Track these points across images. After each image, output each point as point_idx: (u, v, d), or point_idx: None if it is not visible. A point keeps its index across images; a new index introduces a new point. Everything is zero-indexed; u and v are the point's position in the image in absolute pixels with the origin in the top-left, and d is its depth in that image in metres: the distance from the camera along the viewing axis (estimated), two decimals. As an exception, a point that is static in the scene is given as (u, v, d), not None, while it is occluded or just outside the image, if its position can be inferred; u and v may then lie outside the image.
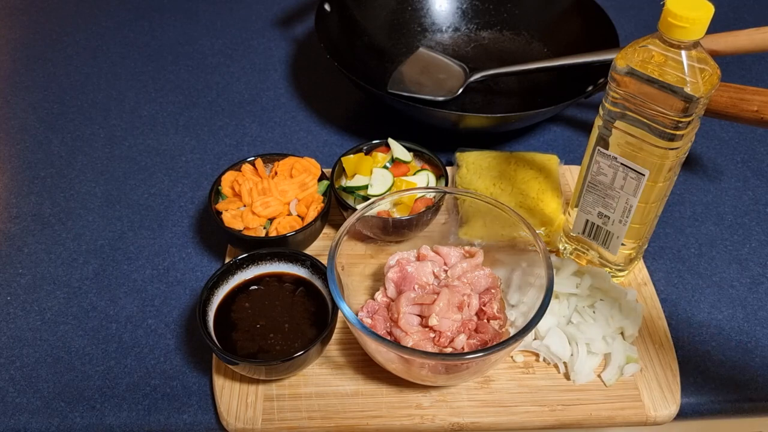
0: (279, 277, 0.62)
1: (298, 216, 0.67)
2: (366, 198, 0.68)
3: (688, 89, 0.49)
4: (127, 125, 0.86)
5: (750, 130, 0.87)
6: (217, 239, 0.71)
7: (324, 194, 0.69)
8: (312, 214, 0.66)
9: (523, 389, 0.58)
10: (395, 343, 0.54)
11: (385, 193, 0.68)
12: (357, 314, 0.53)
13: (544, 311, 0.52)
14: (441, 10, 0.97)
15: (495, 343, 0.55)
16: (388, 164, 0.72)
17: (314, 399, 0.57)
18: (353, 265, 0.63)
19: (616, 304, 0.62)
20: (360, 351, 0.60)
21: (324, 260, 0.58)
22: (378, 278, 0.65)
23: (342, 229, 0.58)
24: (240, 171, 0.69)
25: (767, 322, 0.65)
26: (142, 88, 0.92)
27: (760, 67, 0.98)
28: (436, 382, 0.57)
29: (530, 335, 0.57)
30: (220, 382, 0.58)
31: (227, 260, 0.65)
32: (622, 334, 0.61)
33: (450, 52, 0.94)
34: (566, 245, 0.68)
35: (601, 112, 0.56)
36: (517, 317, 0.59)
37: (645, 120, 0.52)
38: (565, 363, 0.59)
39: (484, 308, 0.58)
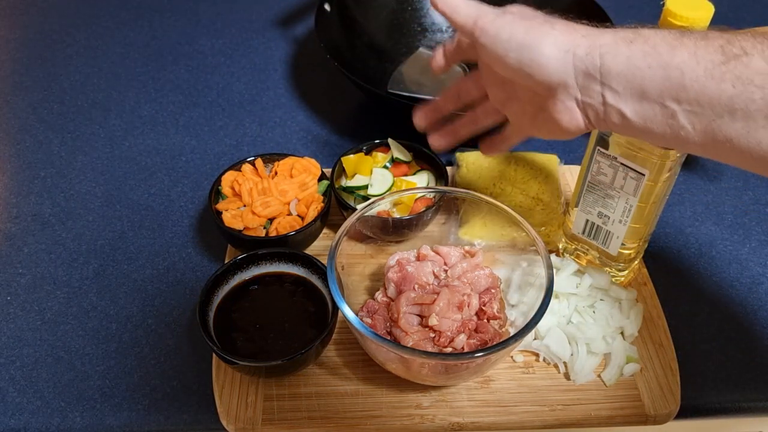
0: (279, 277, 0.62)
1: (298, 216, 0.67)
2: (366, 198, 0.68)
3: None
4: (127, 125, 0.86)
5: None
6: (217, 239, 0.71)
7: (324, 194, 0.69)
8: (312, 214, 0.66)
9: (523, 389, 0.58)
10: (395, 343, 0.54)
11: (385, 193, 0.68)
12: (357, 314, 0.53)
13: (544, 311, 0.52)
14: (441, 10, 0.97)
15: (495, 343, 0.55)
16: (388, 164, 0.72)
17: (314, 399, 0.57)
18: (353, 265, 0.63)
19: (616, 304, 0.62)
20: (360, 351, 0.60)
21: (324, 260, 0.58)
22: (378, 278, 0.65)
23: (342, 229, 0.58)
24: (240, 171, 0.69)
25: (767, 322, 0.65)
26: (142, 88, 0.92)
27: (760, 67, 0.98)
28: (436, 382, 0.57)
29: (530, 335, 0.57)
30: (220, 382, 0.58)
31: (227, 260, 0.65)
32: (622, 334, 0.61)
33: (450, 52, 0.94)
34: (566, 245, 0.68)
35: (601, 112, 0.56)
36: (517, 317, 0.59)
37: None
38: (565, 363, 0.59)
39: (484, 308, 0.58)
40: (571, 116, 0.46)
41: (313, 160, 0.70)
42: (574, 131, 0.47)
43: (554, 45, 0.43)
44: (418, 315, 0.57)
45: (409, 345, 0.54)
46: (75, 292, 0.67)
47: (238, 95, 0.91)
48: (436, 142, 0.60)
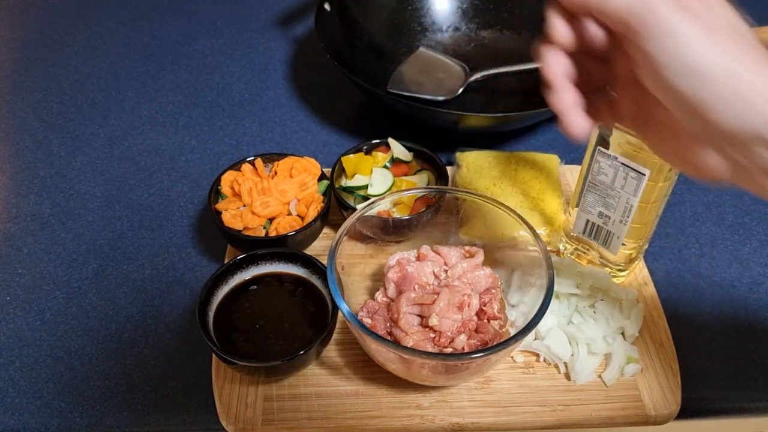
0: (278, 278, 0.62)
1: (298, 216, 0.67)
2: (366, 198, 0.68)
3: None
4: (127, 125, 0.86)
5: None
6: (217, 239, 0.71)
7: (324, 194, 0.69)
8: (312, 214, 0.66)
9: (524, 389, 0.58)
10: (395, 344, 0.54)
11: (385, 193, 0.68)
12: (357, 314, 0.53)
13: (545, 311, 0.52)
14: (441, 10, 0.97)
15: (495, 343, 0.55)
16: (388, 164, 0.72)
17: (314, 399, 0.57)
18: (353, 265, 0.62)
19: (617, 304, 0.62)
20: (360, 351, 0.60)
21: (324, 260, 0.58)
22: (378, 278, 0.65)
23: (342, 229, 0.58)
24: (240, 171, 0.69)
25: (768, 322, 0.65)
26: (142, 88, 0.92)
27: (760, 66, 0.98)
28: (436, 382, 0.57)
29: (531, 335, 0.57)
30: (219, 382, 0.58)
31: (227, 260, 0.65)
32: (622, 334, 0.61)
33: (450, 51, 0.94)
34: (567, 245, 0.68)
35: (601, 111, 0.56)
36: (517, 317, 0.59)
37: (645, 120, 0.52)
38: (565, 363, 0.59)
39: (484, 308, 0.58)
40: (702, 164, 0.37)
41: (313, 160, 0.70)
42: (700, 178, 0.38)
43: (732, 93, 0.34)
44: (418, 315, 0.57)
45: (409, 345, 0.54)
46: (74, 293, 0.66)
47: (238, 95, 0.91)
48: (577, 125, 0.40)
